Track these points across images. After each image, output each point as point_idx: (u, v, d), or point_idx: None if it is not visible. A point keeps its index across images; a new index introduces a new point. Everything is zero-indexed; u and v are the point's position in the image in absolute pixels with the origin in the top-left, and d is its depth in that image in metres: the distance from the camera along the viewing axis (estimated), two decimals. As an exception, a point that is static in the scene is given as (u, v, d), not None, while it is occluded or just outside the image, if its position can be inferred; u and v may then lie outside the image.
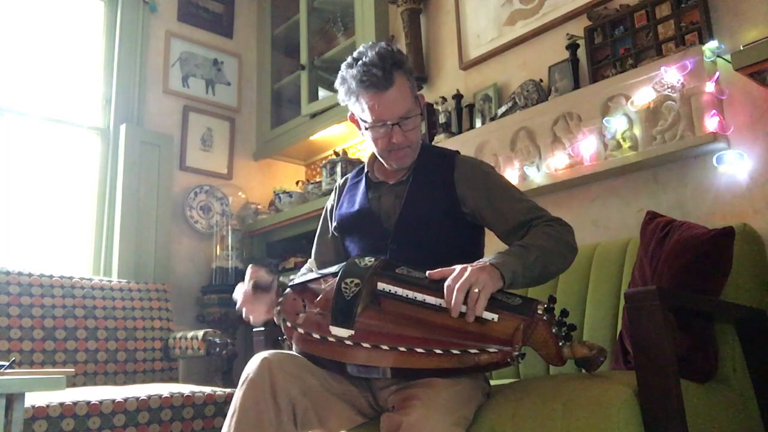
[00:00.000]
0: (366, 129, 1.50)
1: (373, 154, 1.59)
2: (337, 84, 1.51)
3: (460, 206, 1.49)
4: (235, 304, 1.46)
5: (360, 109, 1.48)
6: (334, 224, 1.63)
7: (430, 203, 1.49)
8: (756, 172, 1.78)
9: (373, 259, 1.33)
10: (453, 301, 1.17)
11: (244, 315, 1.45)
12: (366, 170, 1.63)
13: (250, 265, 1.47)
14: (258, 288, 1.42)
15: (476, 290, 1.17)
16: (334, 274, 1.33)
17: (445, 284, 1.21)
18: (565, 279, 1.88)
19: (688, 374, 1.33)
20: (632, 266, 1.69)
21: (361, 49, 1.48)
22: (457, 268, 1.24)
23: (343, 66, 1.49)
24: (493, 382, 1.48)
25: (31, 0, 3.12)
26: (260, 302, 1.42)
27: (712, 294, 1.43)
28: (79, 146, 3.17)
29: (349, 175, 1.71)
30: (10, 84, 2.98)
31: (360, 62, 1.43)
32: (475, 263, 1.25)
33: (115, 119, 3.19)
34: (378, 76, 1.40)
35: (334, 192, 1.72)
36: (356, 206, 1.57)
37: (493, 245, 1.54)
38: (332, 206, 1.69)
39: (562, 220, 1.44)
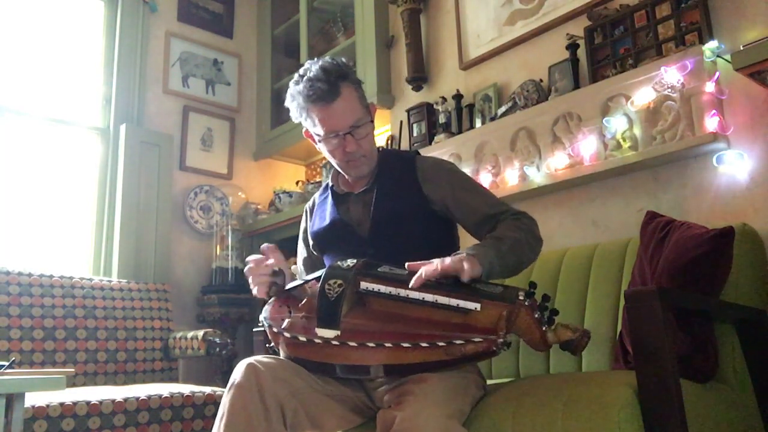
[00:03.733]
0: (320, 142, 1.52)
1: (335, 168, 1.61)
2: (287, 102, 1.53)
3: (429, 204, 1.52)
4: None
5: (311, 123, 1.50)
6: (311, 243, 1.66)
7: (399, 204, 1.51)
8: (756, 172, 1.78)
9: (355, 261, 1.34)
10: (419, 273, 1.20)
11: (249, 281, 1.46)
12: (331, 185, 1.65)
13: (267, 244, 1.49)
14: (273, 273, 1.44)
15: (446, 270, 1.20)
16: (317, 279, 1.34)
17: (421, 270, 1.23)
18: (565, 279, 1.88)
19: (688, 374, 1.33)
20: (632, 266, 1.69)
21: (306, 65, 1.50)
22: (437, 260, 1.26)
23: (291, 83, 1.51)
24: (492, 382, 1.49)
25: (31, 0, 3.12)
26: (268, 279, 1.44)
27: (712, 294, 1.43)
28: (79, 146, 3.17)
29: (316, 195, 1.73)
30: (10, 84, 2.98)
31: (305, 78, 1.46)
32: (452, 256, 1.27)
33: (115, 119, 3.19)
34: (323, 90, 1.43)
35: (304, 215, 1.74)
36: (327, 220, 1.59)
37: (468, 238, 1.56)
38: (305, 228, 1.71)
39: (526, 213, 1.49)
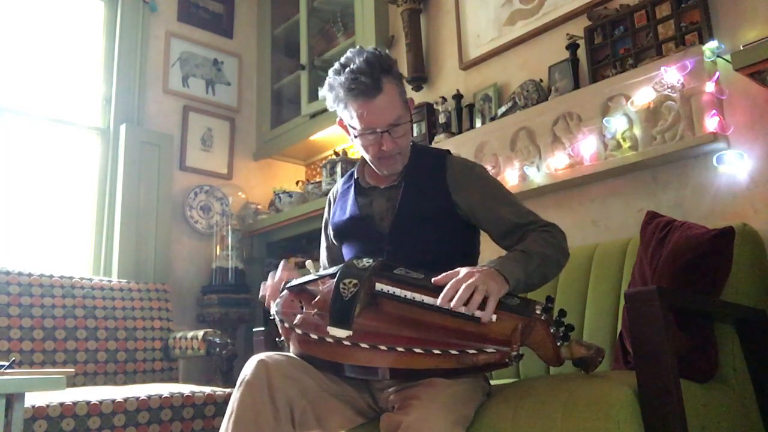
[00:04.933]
0: (355, 137, 1.49)
1: (363, 159, 1.59)
2: (324, 91, 1.50)
3: (454, 208, 1.49)
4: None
5: (349, 116, 1.47)
6: (331, 233, 1.64)
7: (424, 204, 1.48)
8: (756, 172, 1.78)
9: (371, 260, 1.32)
10: (456, 297, 1.16)
11: (266, 305, 1.46)
12: (356, 176, 1.62)
13: (284, 261, 1.48)
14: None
15: (481, 294, 1.16)
16: (332, 275, 1.33)
17: (450, 282, 1.20)
18: (565, 279, 1.88)
19: (688, 374, 1.33)
20: (632, 266, 1.69)
21: (348, 54, 1.46)
22: (463, 270, 1.23)
23: (331, 72, 1.47)
24: (493, 382, 1.48)
25: (31, 0, 3.12)
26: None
27: (712, 294, 1.43)
28: (79, 146, 3.17)
29: (339, 183, 1.70)
30: (10, 84, 2.98)
31: (348, 69, 1.41)
32: (479, 268, 1.24)
33: (115, 119, 3.19)
34: (366, 84, 1.39)
35: (327, 205, 1.72)
36: (348, 213, 1.57)
37: (490, 244, 1.55)
38: (326, 220, 1.70)
39: (556, 225, 1.45)
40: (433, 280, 1.25)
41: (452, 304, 1.17)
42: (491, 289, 1.18)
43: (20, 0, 3.08)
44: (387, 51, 1.50)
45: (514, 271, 1.26)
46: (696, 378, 1.35)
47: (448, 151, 1.62)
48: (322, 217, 1.74)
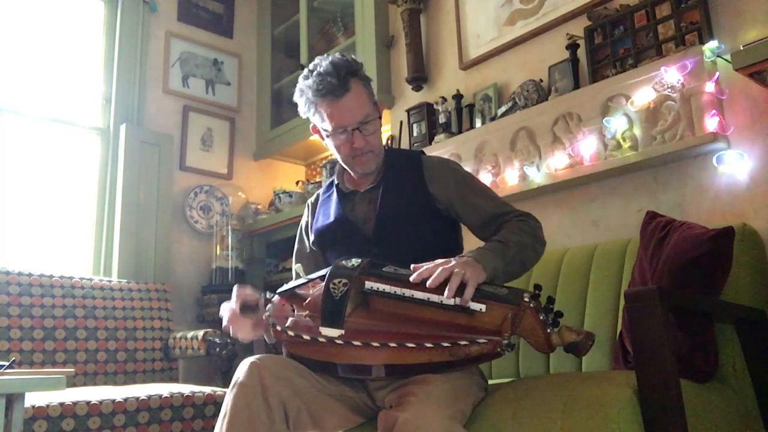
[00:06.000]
0: (328, 137, 1.52)
1: (341, 165, 1.61)
2: (296, 97, 1.54)
3: (434, 204, 1.52)
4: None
5: (320, 118, 1.51)
6: (312, 239, 1.66)
7: (405, 204, 1.51)
8: (756, 172, 1.78)
9: (359, 260, 1.34)
10: (432, 277, 1.19)
11: (231, 333, 1.47)
12: (336, 182, 1.64)
13: (236, 286, 1.49)
14: (246, 308, 1.44)
15: (458, 278, 1.19)
16: (322, 277, 1.34)
17: (425, 266, 1.24)
18: (565, 279, 1.88)
19: (688, 374, 1.33)
20: (632, 266, 1.69)
21: (315, 60, 1.51)
22: (441, 260, 1.26)
23: (300, 78, 1.51)
24: (492, 382, 1.49)
25: (31, 0, 3.12)
26: (247, 321, 1.45)
27: (712, 294, 1.43)
28: (79, 146, 3.17)
29: (320, 191, 1.73)
30: (10, 84, 2.98)
31: (315, 72, 1.47)
32: (457, 258, 1.27)
33: (115, 119, 3.19)
34: (333, 84, 1.44)
35: (306, 209, 1.74)
36: (332, 218, 1.59)
37: (473, 239, 1.57)
38: (307, 223, 1.71)
39: (531, 214, 1.49)
40: (412, 266, 1.27)
41: (428, 283, 1.20)
42: (469, 274, 1.20)
43: (20, 0, 3.08)
44: (353, 56, 1.54)
45: (492, 260, 1.29)
46: (696, 378, 1.35)
47: (422, 151, 1.66)
48: (297, 236, 1.75)
